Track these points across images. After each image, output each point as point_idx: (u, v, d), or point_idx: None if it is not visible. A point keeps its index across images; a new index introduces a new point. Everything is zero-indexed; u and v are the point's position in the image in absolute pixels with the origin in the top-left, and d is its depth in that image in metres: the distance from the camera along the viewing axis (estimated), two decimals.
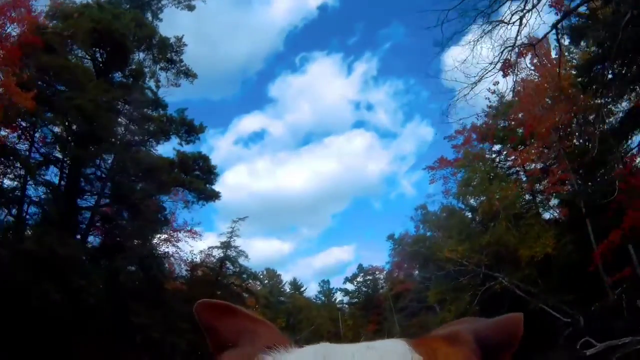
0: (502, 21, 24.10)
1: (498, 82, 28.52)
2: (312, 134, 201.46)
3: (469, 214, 54.21)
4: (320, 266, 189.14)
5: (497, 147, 55.32)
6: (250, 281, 75.92)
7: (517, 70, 28.23)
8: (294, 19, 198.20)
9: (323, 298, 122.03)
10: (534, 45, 26.03)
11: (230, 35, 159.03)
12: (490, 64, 24.46)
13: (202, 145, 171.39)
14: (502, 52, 24.34)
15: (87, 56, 42.76)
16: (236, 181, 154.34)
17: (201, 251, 59.49)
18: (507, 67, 25.79)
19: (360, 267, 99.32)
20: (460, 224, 52.13)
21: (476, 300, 45.44)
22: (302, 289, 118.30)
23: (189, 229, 54.27)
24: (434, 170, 58.00)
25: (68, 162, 40.73)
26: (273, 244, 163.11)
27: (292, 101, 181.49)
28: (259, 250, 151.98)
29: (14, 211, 36.74)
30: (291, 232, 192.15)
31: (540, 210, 50.28)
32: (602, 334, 34.68)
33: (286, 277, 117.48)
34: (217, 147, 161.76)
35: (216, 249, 61.05)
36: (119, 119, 42.18)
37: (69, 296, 30.13)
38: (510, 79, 27.37)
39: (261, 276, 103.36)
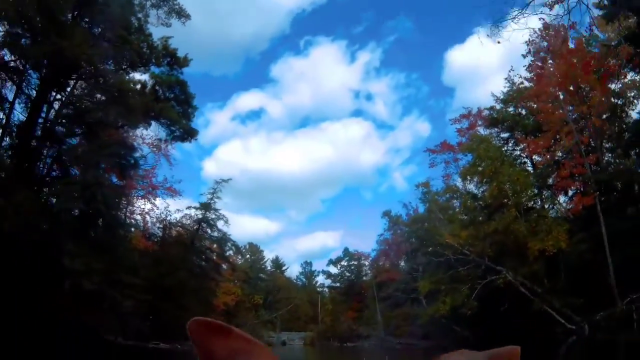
0: None
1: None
2: (309, 117, 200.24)
3: (474, 202, 48.27)
4: (305, 249, 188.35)
5: (504, 135, 50.57)
6: (231, 253, 71.65)
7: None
8: (303, 2, 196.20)
9: (304, 279, 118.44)
10: None
11: (238, 12, 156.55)
12: None
13: (199, 118, 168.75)
14: None
15: None
16: (230, 157, 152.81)
17: (178, 210, 54.59)
18: None
19: (346, 251, 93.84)
20: (464, 207, 46.35)
21: (474, 294, 39.87)
22: (284, 268, 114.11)
23: (168, 185, 50.29)
24: (435, 154, 54.18)
25: (23, 70, 33.21)
26: (260, 222, 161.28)
27: (293, 83, 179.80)
28: (246, 227, 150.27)
29: None
30: (279, 212, 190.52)
31: (546, 206, 45.11)
32: (607, 348, 30.71)
33: (269, 256, 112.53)
34: (214, 121, 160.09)
35: (194, 210, 55.90)
36: (88, 32, 34.36)
37: None
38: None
39: (243, 250, 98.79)
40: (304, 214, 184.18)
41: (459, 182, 51.76)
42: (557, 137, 42.23)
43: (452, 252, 41.89)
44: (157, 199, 50.40)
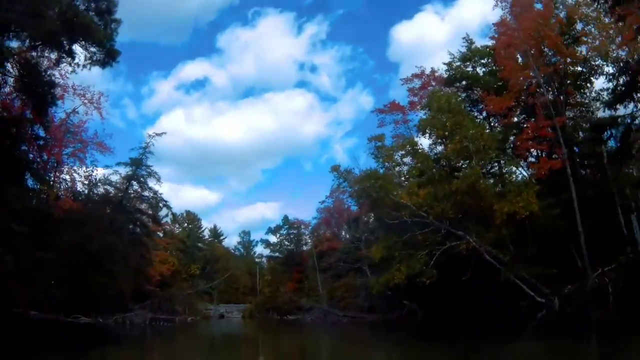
0: None
1: None
2: (253, 88, 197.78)
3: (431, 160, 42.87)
4: (244, 220, 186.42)
5: (462, 95, 46.25)
6: (168, 220, 67.14)
7: None
8: None
9: (242, 250, 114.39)
10: None
11: None
12: None
13: (143, 87, 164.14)
14: None
15: None
16: (172, 126, 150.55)
17: (107, 166, 49.28)
18: None
19: (286, 219, 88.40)
20: (422, 162, 40.88)
21: (433, 260, 35.04)
22: (222, 237, 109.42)
23: (98, 140, 45.22)
24: (383, 114, 49.92)
25: None
26: (201, 193, 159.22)
27: (238, 53, 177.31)
28: (186, 198, 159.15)
29: None
30: (220, 182, 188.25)
31: (504, 171, 41.67)
32: (579, 323, 26.50)
33: (207, 225, 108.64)
34: (158, 90, 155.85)
35: (124, 166, 50.17)
36: None
37: None
38: None
39: (180, 218, 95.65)
40: (244, 184, 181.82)
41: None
42: (520, 97, 39.74)
43: (408, 214, 36.88)
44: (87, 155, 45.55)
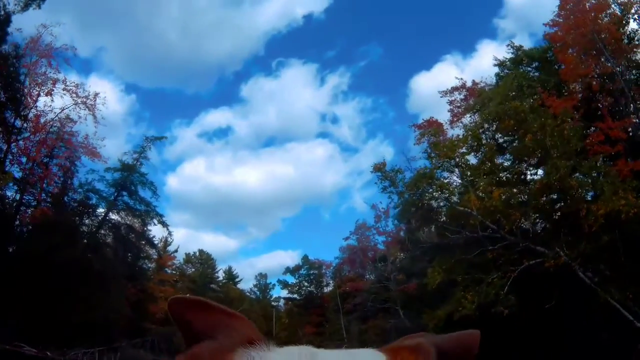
0: None
1: None
2: (275, 138, 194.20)
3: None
4: (263, 267, 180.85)
5: None
6: (176, 255, 60.22)
7: None
8: (278, 24, 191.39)
9: (258, 293, 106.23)
10: None
11: (215, 32, 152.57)
12: None
13: (166, 133, 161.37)
14: None
15: None
16: (193, 173, 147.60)
17: (92, 170, 40.62)
18: None
19: (305, 258, 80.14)
20: (488, 159, 31.44)
21: (507, 284, 25.86)
22: (237, 280, 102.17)
23: (88, 144, 38.58)
24: (421, 129, 41.29)
25: None
26: (219, 239, 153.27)
27: (261, 103, 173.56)
28: (205, 243, 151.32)
29: None
30: (239, 230, 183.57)
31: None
32: None
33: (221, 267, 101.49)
34: (181, 137, 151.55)
35: (113, 171, 41.30)
36: None
37: None
38: None
39: (193, 258, 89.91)
40: (263, 232, 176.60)
41: None
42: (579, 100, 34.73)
43: (479, 224, 27.81)
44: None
